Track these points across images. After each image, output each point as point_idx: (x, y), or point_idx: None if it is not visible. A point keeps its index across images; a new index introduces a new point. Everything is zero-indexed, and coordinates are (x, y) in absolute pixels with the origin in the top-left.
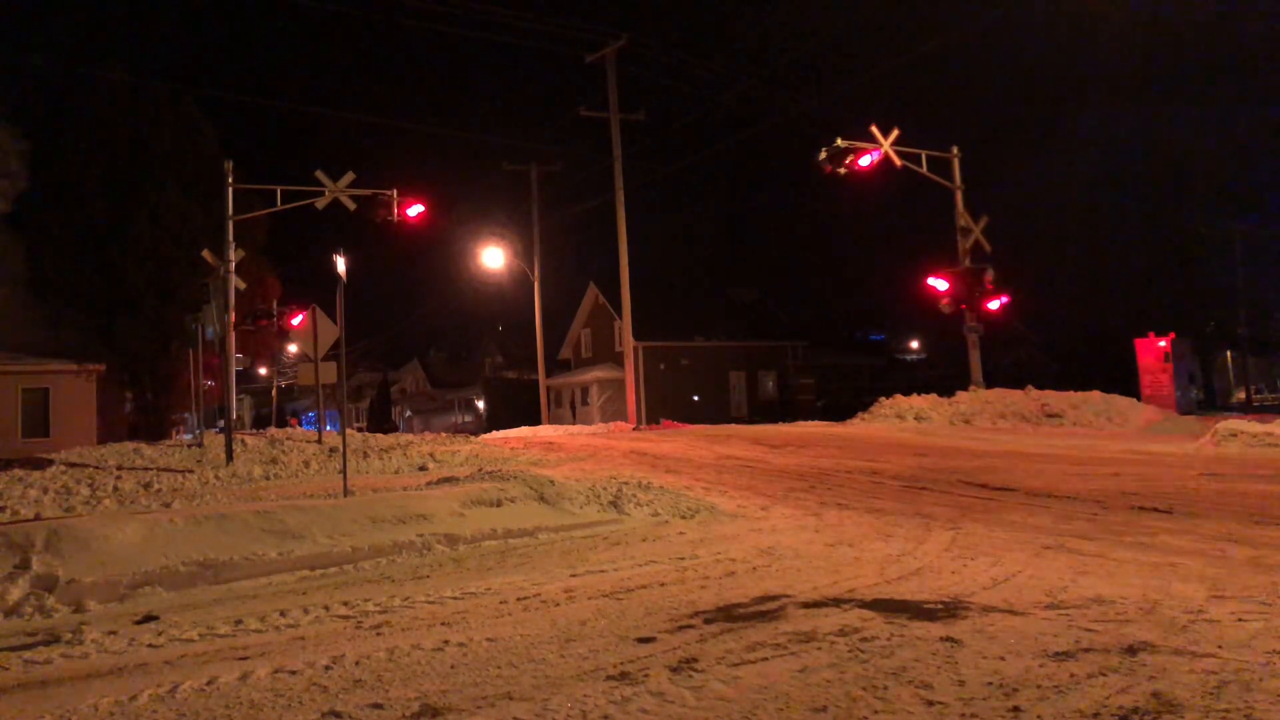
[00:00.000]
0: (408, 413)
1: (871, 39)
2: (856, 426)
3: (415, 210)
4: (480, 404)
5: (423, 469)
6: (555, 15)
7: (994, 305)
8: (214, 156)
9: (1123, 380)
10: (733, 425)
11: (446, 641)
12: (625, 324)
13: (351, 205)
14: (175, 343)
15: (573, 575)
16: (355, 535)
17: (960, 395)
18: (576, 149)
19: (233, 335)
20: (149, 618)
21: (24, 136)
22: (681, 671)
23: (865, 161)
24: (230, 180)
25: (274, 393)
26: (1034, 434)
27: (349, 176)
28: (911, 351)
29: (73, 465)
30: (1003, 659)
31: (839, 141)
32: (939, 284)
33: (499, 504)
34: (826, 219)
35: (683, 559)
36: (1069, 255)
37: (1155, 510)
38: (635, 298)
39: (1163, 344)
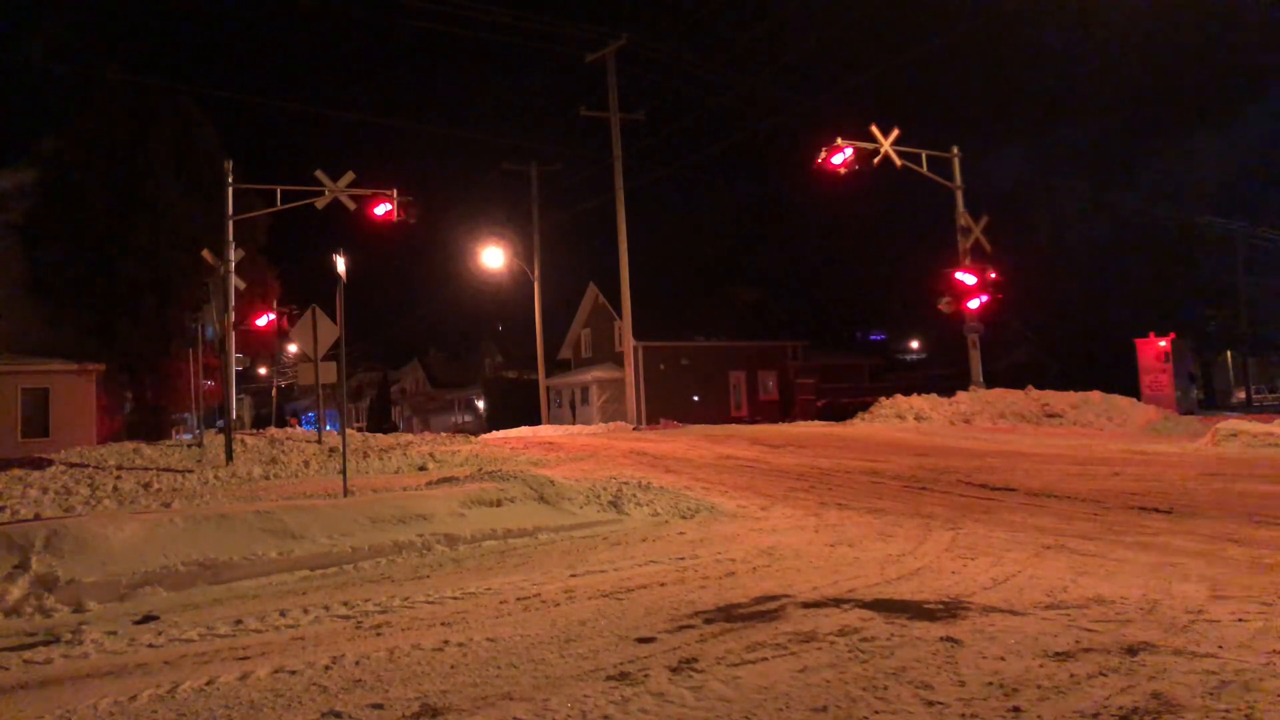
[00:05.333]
0: (408, 413)
1: (871, 39)
2: (856, 426)
3: (414, 209)
4: (480, 404)
5: (423, 469)
6: (555, 15)
7: (993, 304)
8: (214, 156)
9: (1123, 380)
10: (733, 425)
11: (446, 641)
12: (625, 324)
13: (351, 205)
14: (175, 343)
15: (573, 575)
16: (355, 535)
17: (960, 395)
18: (576, 149)
19: (233, 335)
20: (149, 618)
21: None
22: (681, 671)
23: (865, 161)
24: (230, 180)
25: (274, 393)
26: (1034, 434)
27: (349, 176)
28: (911, 351)
29: (73, 465)
30: (1003, 659)
31: (839, 141)
32: (940, 284)
33: (499, 504)
34: (827, 219)
35: (683, 559)
36: (1069, 255)
37: (1155, 510)
38: (635, 298)
39: (1163, 344)
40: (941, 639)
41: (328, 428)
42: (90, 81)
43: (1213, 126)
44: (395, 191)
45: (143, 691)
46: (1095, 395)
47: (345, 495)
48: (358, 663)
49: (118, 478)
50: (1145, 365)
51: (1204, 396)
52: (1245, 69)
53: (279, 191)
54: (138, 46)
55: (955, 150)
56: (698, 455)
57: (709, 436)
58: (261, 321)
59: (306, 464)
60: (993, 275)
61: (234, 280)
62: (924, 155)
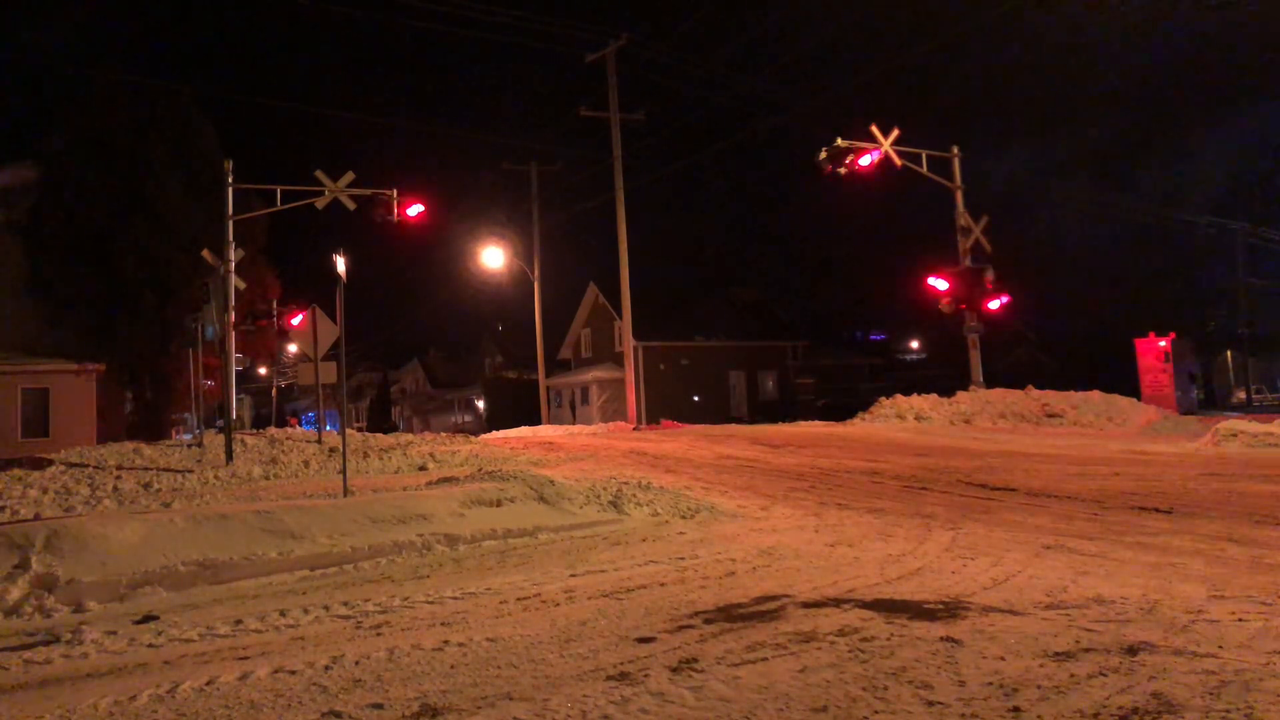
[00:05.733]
0: (408, 413)
1: (872, 39)
2: (856, 426)
3: (415, 210)
4: (480, 404)
5: (423, 469)
6: (555, 15)
7: (994, 305)
8: (213, 156)
9: (1123, 380)
10: (733, 425)
11: (446, 641)
12: (625, 324)
13: (351, 205)
14: (175, 343)
15: (573, 575)
16: (355, 535)
17: (960, 395)
18: (576, 149)
19: (233, 335)
20: (149, 618)
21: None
22: (681, 671)
23: (865, 161)
24: (230, 180)
25: (274, 393)
26: (1034, 434)
27: (349, 176)
28: (911, 351)
29: (73, 465)
30: (1003, 659)
31: (839, 141)
32: (939, 284)
33: (499, 504)
34: (827, 219)
35: (683, 559)
36: (1069, 255)
37: (1155, 510)
38: (635, 298)
39: (1163, 344)
40: (941, 639)
41: (328, 428)
42: (90, 81)
43: (1214, 127)
44: (394, 191)
45: (143, 691)
46: (1095, 395)
47: (345, 495)
48: (358, 663)
49: (118, 478)
50: (1145, 365)
51: (1204, 396)
52: (1246, 69)
53: (279, 191)
54: (138, 46)
55: (955, 150)
56: (698, 455)
57: (709, 436)
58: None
59: (306, 464)
60: (992, 276)
61: (234, 280)
62: (924, 155)
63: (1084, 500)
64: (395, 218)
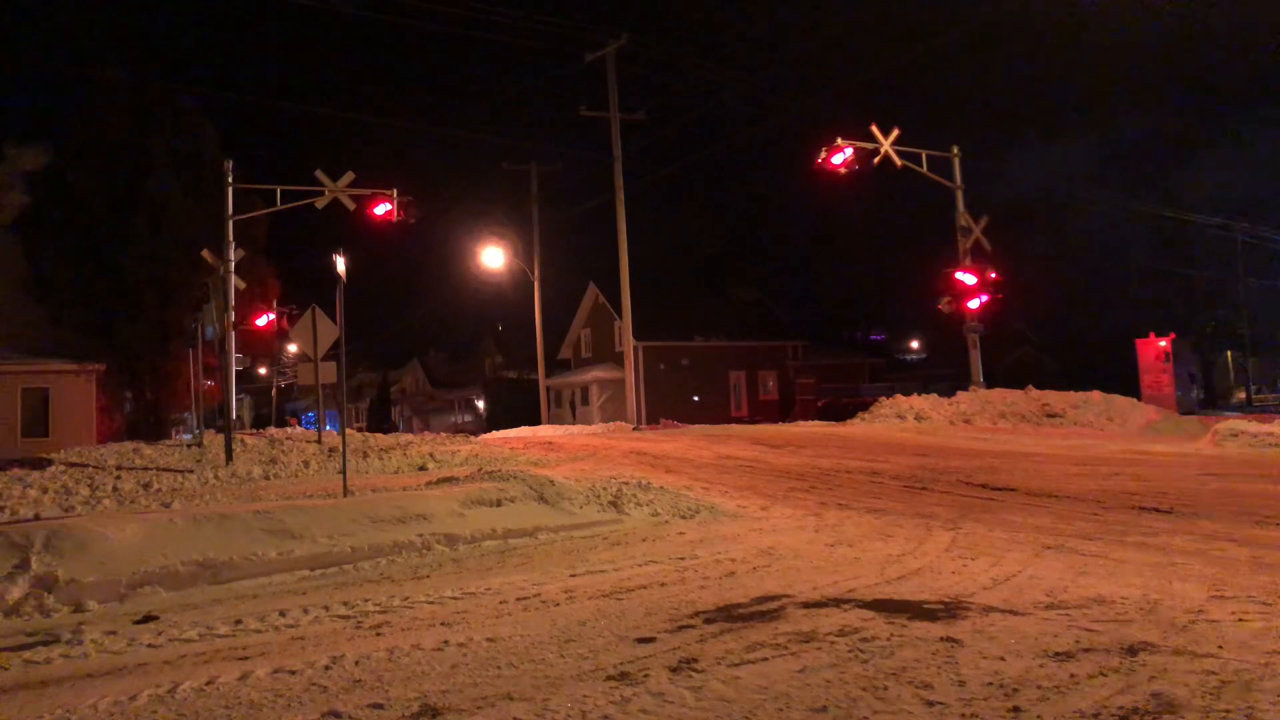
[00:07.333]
0: (407, 413)
1: (871, 39)
2: (856, 426)
3: (413, 209)
4: (480, 404)
5: (422, 469)
6: (555, 15)
7: (993, 304)
8: (214, 156)
9: (1123, 380)
10: (733, 425)
11: (446, 641)
12: (625, 324)
13: (351, 205)
14: (175, 343)
15: (573, 575)
16: (355, 535)
17: (960, 395)
18: (576, 149)
19: (233, 335)
20: (149, 618)
21: (30, 146)
22: (681, 672)
23: (865, 161)
24: (230, 180)
25: (274, 393)
26: (1034, 434)
27: (349, 176)
28: (911, 351)
29: (73, 465)
30: (1003, 659)
31: (839, 141)
32: (939, 284)
33: (499, 504)
34: (828, 219)
35: (683, 559)
36: (1069, 255)
37: (1155, 510)
38: (635, 298)
39: (1163, 344)
40: (941, 639)
41: (327, 428)
42: (90, 81)
43: (1218, 129)
44: (395, 191)
45: (143, 691)
46: (1095, 395)
47: (345, 495)
48: (358, 663)
49: (118, 478)
50: (1145, 365)
51: (1204, 396)
52: (1252, 71)
53: (279, 191)
54: (138, 46)
55: (955, 150)
56: (698, 455)
57: (709, 436)
58: (261, 321)
59: (306, 464)
60: (993, 275)
61: (234, 280)
62: (924, 155)
63: (1084, 500)
64: (395, 217)
